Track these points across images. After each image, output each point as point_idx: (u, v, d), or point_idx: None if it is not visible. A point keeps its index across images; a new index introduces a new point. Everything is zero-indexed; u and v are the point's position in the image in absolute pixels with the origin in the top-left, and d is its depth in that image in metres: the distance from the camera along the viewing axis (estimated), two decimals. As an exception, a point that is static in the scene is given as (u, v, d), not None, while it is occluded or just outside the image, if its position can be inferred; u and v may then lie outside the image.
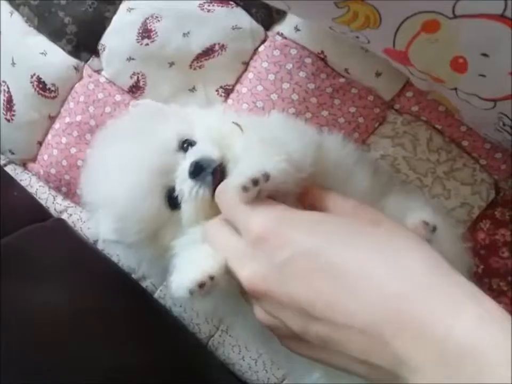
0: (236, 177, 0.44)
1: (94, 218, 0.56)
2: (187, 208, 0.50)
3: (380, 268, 0.37)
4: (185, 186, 0.49)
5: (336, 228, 0.42)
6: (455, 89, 0.51)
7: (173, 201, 0.51)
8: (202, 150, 0.50)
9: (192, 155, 0.50)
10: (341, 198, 0.48)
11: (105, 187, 0.52)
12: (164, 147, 0.51)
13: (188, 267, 0.46)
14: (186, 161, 0.50)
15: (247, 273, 0.42)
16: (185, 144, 0.52)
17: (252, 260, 0.42)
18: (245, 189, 0.42)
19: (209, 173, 0.48)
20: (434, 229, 0.49)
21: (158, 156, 0.51)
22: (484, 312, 0.32)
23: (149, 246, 0.54)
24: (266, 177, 0.43)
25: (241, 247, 0.44)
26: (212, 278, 0.44)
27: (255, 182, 0.42)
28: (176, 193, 0.50)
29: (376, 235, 0.41)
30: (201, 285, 0.43)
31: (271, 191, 0.44)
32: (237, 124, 0.52)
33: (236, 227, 0.45)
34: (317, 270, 0.38)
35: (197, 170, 0.48)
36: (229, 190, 0.45)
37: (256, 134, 0.51)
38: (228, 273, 0.45)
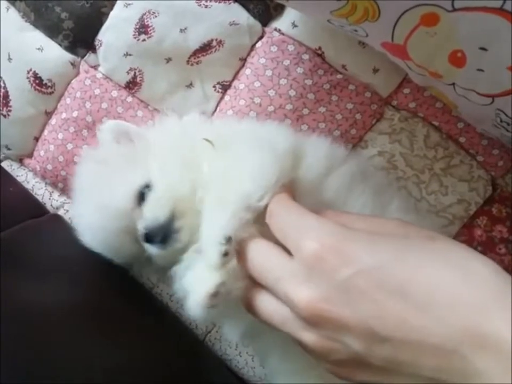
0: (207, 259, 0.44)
1: None
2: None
3: (451, 278, 0.35)
4: (144, 244, 0.53)
5: (399, 243, 0.39)
6: (453, 84, 0.51)
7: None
8: (148, 219, 0.52)
9: (142, 221, 0.53)
10: (380, 218, 0.48)
11: (83, 228, 0.59)
12: (121, 209, 0.54)
13: (196, 286, 0.45)
14: (140, 225, 0.53)
15: (305, 295, 0.39)
16: (146, 189, 0.53)
17: (308, 281, 0.39)
18: (225, 254, 0.43)
19: (157, 241, 0.52)
20: None
21: (117, 220, 0.54)
22: None
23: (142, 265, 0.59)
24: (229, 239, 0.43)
25: (294, 268, 0.40)
26: (223, 283, 0.43)
27: (228, 239, 0.43)
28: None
29: (437, 248, 0.39)
30: (215, 294, 0.43)
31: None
32: (207, 140, 0.52)
33: (287, 247, 0.42)
34: (384, 288, 0.36)
35: (147, 239, 0.52)
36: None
37: (221, 162, 0.50)
38: (238, 278, 0.44)
